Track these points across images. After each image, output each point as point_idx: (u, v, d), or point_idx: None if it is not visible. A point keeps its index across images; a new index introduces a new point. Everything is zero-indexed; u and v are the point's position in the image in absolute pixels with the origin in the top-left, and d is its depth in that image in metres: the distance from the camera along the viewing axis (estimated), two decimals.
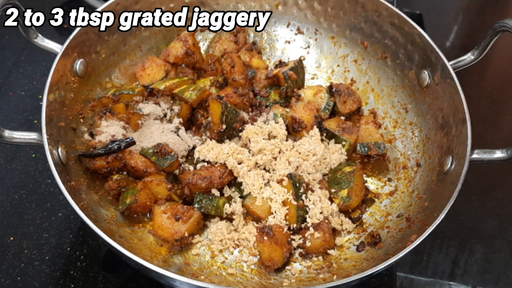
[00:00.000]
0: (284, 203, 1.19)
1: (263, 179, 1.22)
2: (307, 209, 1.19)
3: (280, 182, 1.21)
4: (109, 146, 1.18)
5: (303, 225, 1.19)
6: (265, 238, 1.12)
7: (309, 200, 1.20)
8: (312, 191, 1.21)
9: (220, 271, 1.15)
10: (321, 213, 1.19)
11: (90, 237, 1.25)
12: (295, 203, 1.18)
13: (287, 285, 1.11)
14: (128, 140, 1.20)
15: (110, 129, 1.24)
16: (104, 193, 1.20)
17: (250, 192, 1.20)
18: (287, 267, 1.16)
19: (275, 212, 1.18)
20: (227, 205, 1.20)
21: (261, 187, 1.20)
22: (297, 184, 1.20)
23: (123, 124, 1.28)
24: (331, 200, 1.23)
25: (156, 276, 0.99)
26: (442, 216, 1.05)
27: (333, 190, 1.23)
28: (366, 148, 1.32)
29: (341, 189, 1.22)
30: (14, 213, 1.28)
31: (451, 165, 1.19)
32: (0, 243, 1.23)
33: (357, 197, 1.23)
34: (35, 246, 1.24)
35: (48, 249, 1.23)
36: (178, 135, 1.28)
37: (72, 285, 1.18)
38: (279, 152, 1.25)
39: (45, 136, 1.07)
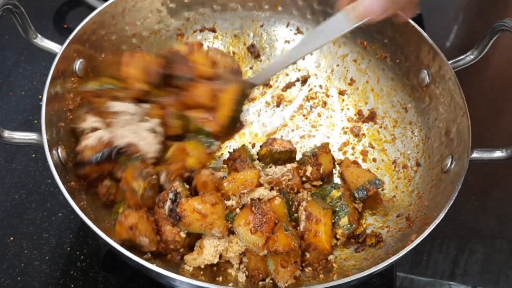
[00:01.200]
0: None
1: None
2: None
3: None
4: (101, 154, 1.14)
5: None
6: None
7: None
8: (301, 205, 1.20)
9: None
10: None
11: (90, 237, 1.25)
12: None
13: (287, 285, 1.11)
14: (115, 148, 1.16)
15: (96, 133, 1.18)
16: None
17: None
18: None
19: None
20: None
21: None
22: (290, 203, 1.18)
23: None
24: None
25: (156, 276, 0.99)
26: (441, 215, 1.05)
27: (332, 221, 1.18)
28: (364, 192, 1.25)
29: (339, 217, 1.17)
30: (14, 213, 1.28)
31: (451, 164, 1.19)
32: (0, 243, 1.23)
33: (355, 221, 1.19)
34: (35, 246, 1.24)
35: (48, 249, 1.23)
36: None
37: (72, 285, 1.19)
38: None
39: (44, 136, 1.07)
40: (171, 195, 1.12)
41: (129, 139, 1.19)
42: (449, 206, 1.06)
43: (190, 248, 1.14)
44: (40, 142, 1.08)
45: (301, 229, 1.15)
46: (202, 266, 1.12)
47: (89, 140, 1.17)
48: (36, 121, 1.45)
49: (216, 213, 1.08)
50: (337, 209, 1.19)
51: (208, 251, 1.10)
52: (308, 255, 1.15)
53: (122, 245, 0.99)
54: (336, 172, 1.37)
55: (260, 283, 1.13)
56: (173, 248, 1.10)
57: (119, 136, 1.19)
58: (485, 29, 1.22)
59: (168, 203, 1.11)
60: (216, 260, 1.12)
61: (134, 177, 1.11)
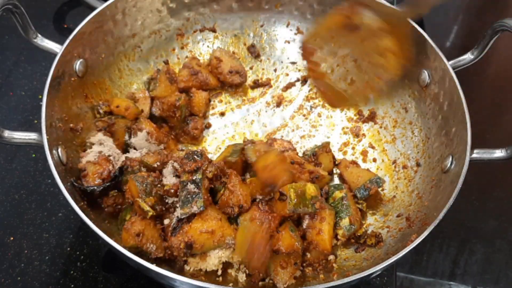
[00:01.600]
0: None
1: None
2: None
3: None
4: (104, 184, 1.15)
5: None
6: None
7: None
8: None
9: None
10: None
11: (90, 237, 1.25)
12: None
13: (286, 286, 1.11)
14: (116, 170, 1.18)
15: (96, 147, 1.20)
16: None
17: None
18: None
19: None
20: None
21: None
22: None
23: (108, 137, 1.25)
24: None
25: (156, 276, 0.99)
26: (441, 215, 1.05)
27: None
28: (365, 191, 1.26)
29: (341, 218, 1.18)
30: (14, 213, 1.28)
31: (451, 164, 1.19)
32: (0, 243, 1.23)
33: (357, 222, 1.20)
34: (35, 246, 1.24)
35: (48, 249, 1.23)
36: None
37: (72, 285, 1.18)
38: None
39: (45, 136, 1.07)
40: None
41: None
42: (449, 206, 1.06)
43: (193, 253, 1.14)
44: (40, 142, 1.08)
45: (304, 227, 1.15)
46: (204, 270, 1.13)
47: (90, 156, 1.17)
48: (36, 121, 1.45)
49: (222, 224, 1.08)
50: (338, 210, 1.19)
51: (213, 262, 1.11)
52: (308, 255, 1.15)
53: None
54: (335, 173, 1.37)
55: (260, 283, 1.13)
56: (176, 255, 1.09)
57: (116, 153, 1.21)
58: (485, 29, 1.22)
59: (173, 222, 1.09)
60: (220, 271, 1.13)
61: (139, 194, 1.08)
